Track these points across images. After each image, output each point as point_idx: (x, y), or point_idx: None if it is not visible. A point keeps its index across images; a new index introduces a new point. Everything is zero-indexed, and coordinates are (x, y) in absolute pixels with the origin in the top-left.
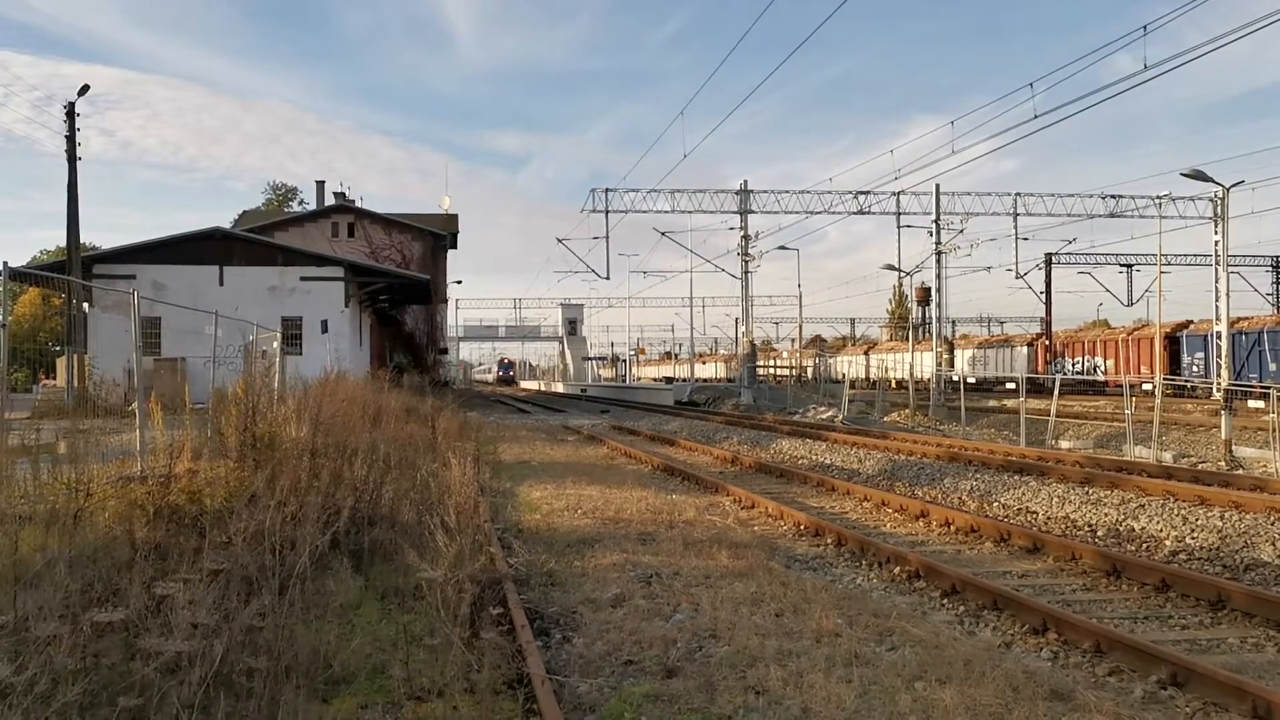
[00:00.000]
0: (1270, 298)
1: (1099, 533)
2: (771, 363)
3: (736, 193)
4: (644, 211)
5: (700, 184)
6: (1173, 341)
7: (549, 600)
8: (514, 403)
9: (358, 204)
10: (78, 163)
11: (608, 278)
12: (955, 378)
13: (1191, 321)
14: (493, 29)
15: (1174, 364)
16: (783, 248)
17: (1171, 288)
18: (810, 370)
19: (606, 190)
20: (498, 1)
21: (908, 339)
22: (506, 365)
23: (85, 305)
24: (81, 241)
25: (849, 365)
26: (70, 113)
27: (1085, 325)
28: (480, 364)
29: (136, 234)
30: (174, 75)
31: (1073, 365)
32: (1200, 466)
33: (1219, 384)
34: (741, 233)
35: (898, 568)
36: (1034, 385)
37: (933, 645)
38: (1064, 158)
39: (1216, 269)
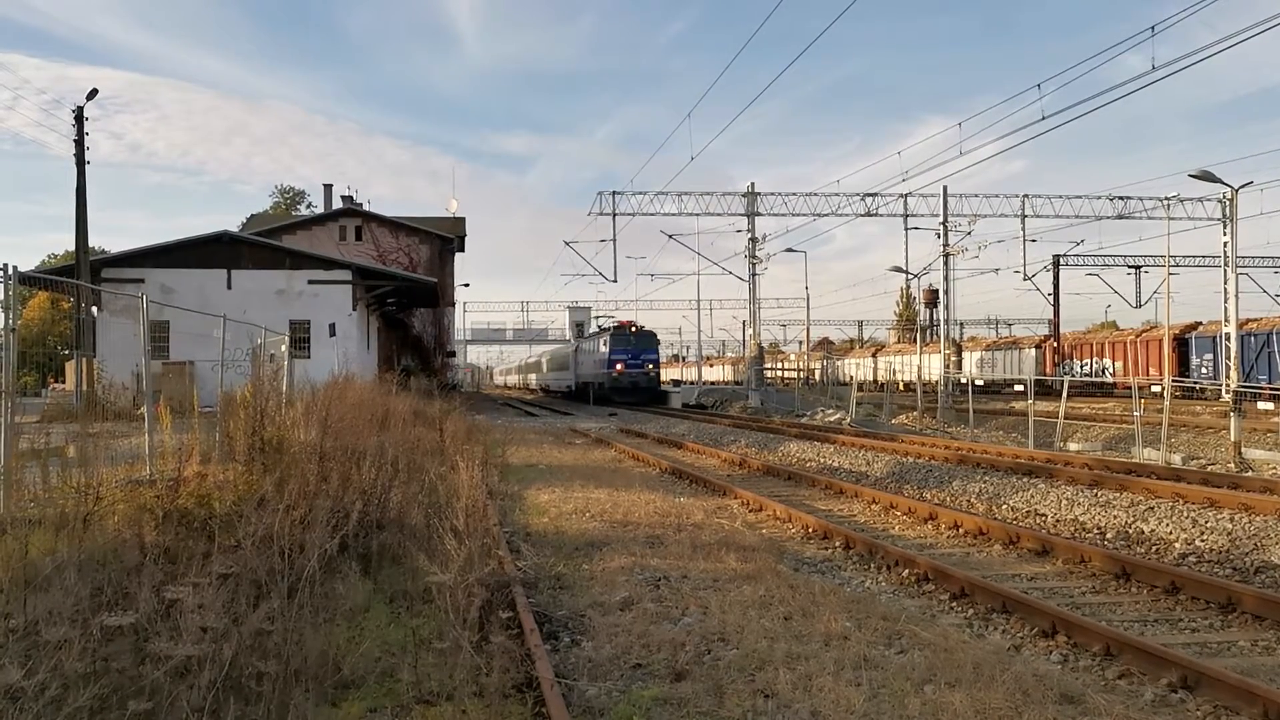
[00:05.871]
0: (1279, 299)
1: (1108, 535)
2: (779, 365)
3: (744, 195)
4: (651, 214)
5: (707, 186)
6: (1181, 343)
7: (557, 603)
8: (521, 405)
9: (365, 207)
10: (86, 166)
11: (615, 280)
12: (963, 380)
13: (1200, 323)
14: (497, 30)
15: (1183, 366)
16: (790, 250)
17: (1180, 289)
18: (818, 373)
19: (614, 193)
20: (502, 2)
21: (915, 341)
22: (636, 347)
23: (94, 309)
24: (90, 245)
25: (856, 368)
26: (79, 117)
27: (1093, 327)
28: (492, 365)
29: (144, 237)
30: (182, 78)
31: (1081, 367)
32: (1209, 469)
33: (1228, 386)
34: (749, 235)
35: (906, 570)
36: (1042, 387)
37: (942, 648)
38: (1072, 159)
39: (1225, 270)
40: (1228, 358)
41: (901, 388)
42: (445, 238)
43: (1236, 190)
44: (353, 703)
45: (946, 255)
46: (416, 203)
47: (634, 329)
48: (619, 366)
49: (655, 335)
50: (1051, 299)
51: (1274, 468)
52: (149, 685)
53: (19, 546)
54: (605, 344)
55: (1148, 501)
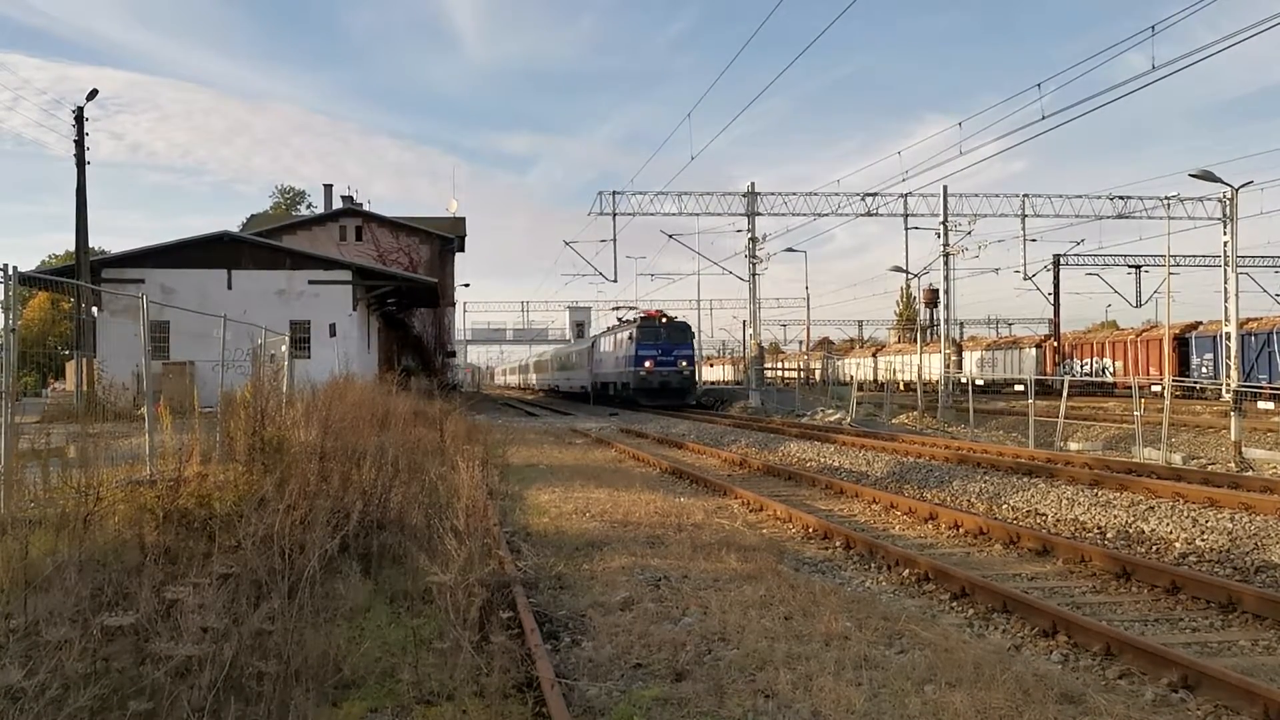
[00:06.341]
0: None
1: (1108, 535)
2: (779, 365)
3: (744, 195)
4: (651, 214)
5: (707, 186)
6: (1182, 343)
7: (558, 603)
8: (522, 406)
9: (365, 207)
10: (86, 166)
11: (615, 280)
12: (963, 379)
13: (1200, 323)
14: (498, 30)
15: (1183, 365)
16: (790, 250)
17: (1180, 289)
18: (818, 372)
19: (614, 193)
20: (502, 2)
21: (915, 341)
22: (668, 341)
23: (94, 309)
24: (90, 245)
25: (857, 367)
26: (79, 117)
27: (1094, 326)
28: (492, 365)
29: (145, 238)
30: (182, 78)
31: (1081, 367)
32: (1210, 468)
33: (1228, 385)
34: (749, 235)
35: (907, 570)
36: (1042, 387)
37: (942, 648)
38: (1072, 158)
39: (1225, 270)
40: (1228, 357)
41: (901, 387)
42: (445, 238)
43: (1237, 190)
44: (353, 703)
45: (946, 255)
46: (417, 203)
47: (664, 320)
48: (648, 364)
49: (689, 327)
50: (1052, 299)
51: (1274, 467)
52: (149, 685)
53: (19, 547)
54: (631, 338)
55: (1148, 501)
